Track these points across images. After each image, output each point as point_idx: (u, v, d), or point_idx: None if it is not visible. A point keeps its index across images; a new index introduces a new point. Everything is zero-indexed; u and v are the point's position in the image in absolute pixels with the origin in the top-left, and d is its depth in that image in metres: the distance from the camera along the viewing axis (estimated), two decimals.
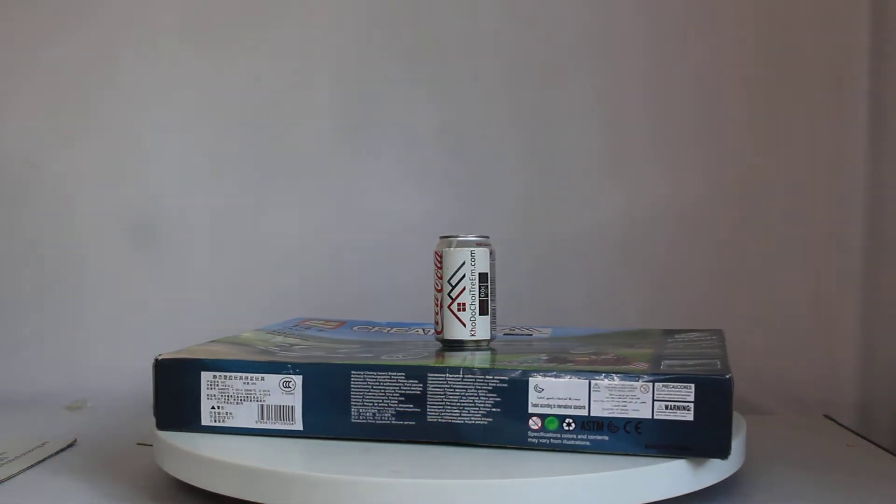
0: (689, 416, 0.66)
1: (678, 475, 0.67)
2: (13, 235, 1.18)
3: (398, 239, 1.17)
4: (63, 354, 1.17)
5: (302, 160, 1.18)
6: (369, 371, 0.71)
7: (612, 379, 0.67)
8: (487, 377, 0.69)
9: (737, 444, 0.73)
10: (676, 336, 0.87)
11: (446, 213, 1.17)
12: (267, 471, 0.65)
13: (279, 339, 0.88)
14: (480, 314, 0.80)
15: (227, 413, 0.74)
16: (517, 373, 0.69)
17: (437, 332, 0.82)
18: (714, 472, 0.69)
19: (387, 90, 1.18)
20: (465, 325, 0.80)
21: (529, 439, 0.69)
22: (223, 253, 1.19)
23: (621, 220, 1.14)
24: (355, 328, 0.95)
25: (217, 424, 0.74)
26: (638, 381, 0.67)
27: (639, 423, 0.67)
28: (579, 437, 0.68)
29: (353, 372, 0.72)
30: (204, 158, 1.19)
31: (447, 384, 0.70)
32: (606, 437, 0.67)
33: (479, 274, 0.80)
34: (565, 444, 0.68)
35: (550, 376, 0.68)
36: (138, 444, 0.89)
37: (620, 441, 0.67)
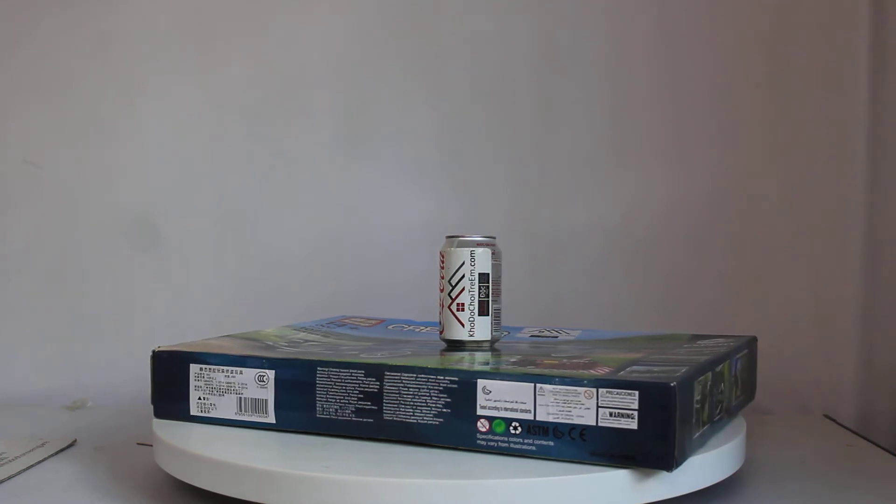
0: (634, 425, 0.63)
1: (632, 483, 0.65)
2: (13, 235, 1.18)
3: (398, 238, 1.17)
4: (63, 354, 1.17)
5: (301, 160, 1.18)
6: (332, 368, 0.73)
7: (557, 384, 0.65)
8: (439, 377, 0.69)
9: (737, 444, 0.73)
10: (699, 342, 0.84)
11: (446, 212, 1.17)
12: (263, 470, 0.65)
13: (300, 335, 0.89)
14: (480, 315, 0.80)
15: (211, 404, 0.77)
16: (466, 374, 0.68)
17: (440, 332, 0.82)
18: (704, 476, 0.68)
19: (386, 90, 1.18)
20: (463, 325, 0.80)
21: (478, 441, 0.68)
22: (223, 253, 1.19)
23: (621, 221, 1.14)
24: (390, 327, 0.96)
25: (202, 415, 0.77)
26: (582, 386, 0.65)
27: (584, 429, 0.64)
28: (525, 441, 0.66)
29: (318, 368, 0.73)
30: (204, 158, 1.19)
31: (402, 383, 0.70)
32: (552, 443, 0.65)
33: (480, 274, 0.80)
34: (512, 448, 0.67)
35: (498, 379, 0.68)
36: (138, 444, 0.89)
37: (566, 447, 0.65)
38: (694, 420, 0.66)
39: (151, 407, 0.80)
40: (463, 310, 0.80)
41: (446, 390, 0.69)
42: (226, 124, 1.19)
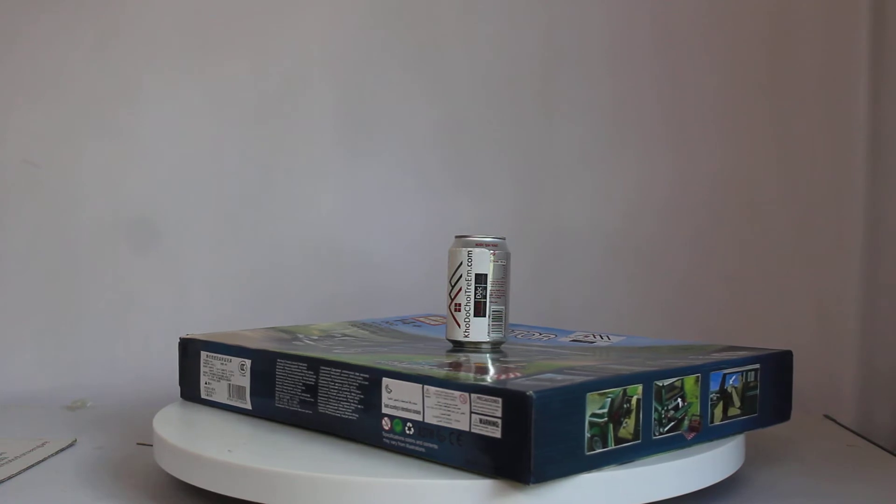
0: (498, 433, 0.60)
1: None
2: (13, 235, 1.18)
3: (398, 238, 1.17)
4: (63, 354, 1.17)
5: (301, 160, 1.18)
6: (287, 360, 0.75)
7: (437, 386, 0.64)
8: (355, 374, 0.70)
9: (736, 444, 0.73)
10: (714, 353, 0.79)
11: (447, 212, 1.17)
12: (263, 470, 0.65)
13: (349, 330, 0.93)
14: (476, 315, 0.79)
15: (212, 389, 0.82)
16: (374, 371, 0.69)
17: (446, 332, 0.82)
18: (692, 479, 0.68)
19: (387, 89, 1.18)
20: (459, 325, 0.79)
21: (384, 439, 0.68)
22: (223, 253, 1.19)
23: (622, 222, 1.14)
24: None
25: (207, 398, 0.83)
26: (457, 391, 0.63)
27: (460, 434, 0.63)
28: (417, 442, 0.65)
29: (278, 360, 0.76)
30: (204, 158, 1.19)
31: (330, 378, 0.71)
32: (436, 446, 0.64)
33: (477, 275, 0.79)
34: (408, 449, 0.66)
35: (397, 378, 0.67)
36: (138, 444, 0.89)
37: (447, 451, 0.63)
38: (590, 435, 0.62)
39: (152, 407, 0.84)
40: (460, 310, 0.79)
41: (360, 387, 0.69)
42: (226, 124, 1.19)
